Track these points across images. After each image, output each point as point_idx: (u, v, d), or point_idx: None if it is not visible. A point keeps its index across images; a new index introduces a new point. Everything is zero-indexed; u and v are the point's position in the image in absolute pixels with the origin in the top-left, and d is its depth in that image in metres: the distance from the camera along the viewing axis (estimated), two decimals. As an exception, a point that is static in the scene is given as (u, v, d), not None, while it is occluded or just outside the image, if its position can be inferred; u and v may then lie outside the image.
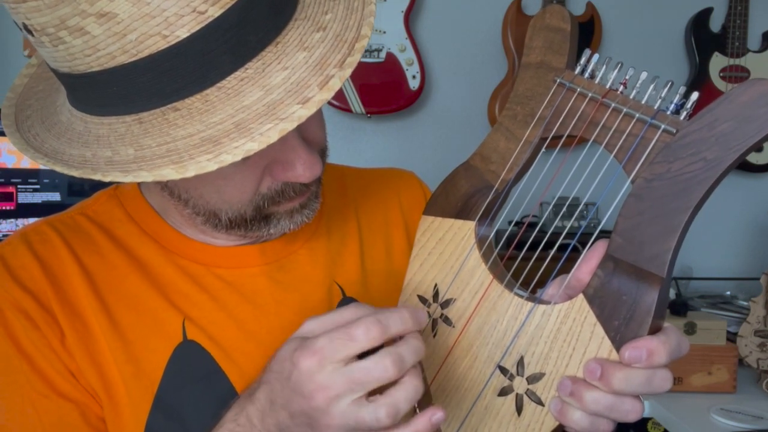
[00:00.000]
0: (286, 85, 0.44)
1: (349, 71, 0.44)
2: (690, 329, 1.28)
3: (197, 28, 0.42)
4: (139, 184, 0.64)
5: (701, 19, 1.87)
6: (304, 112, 0.42)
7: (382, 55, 1.80)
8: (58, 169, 0.46)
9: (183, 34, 0.42)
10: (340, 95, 1.78)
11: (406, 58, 1.81)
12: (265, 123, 0.42)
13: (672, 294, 1.58)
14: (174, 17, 0.41)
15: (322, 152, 0.57)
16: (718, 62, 1.85)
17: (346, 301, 0.64)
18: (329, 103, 1.79)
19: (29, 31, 0.44)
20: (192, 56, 0.43)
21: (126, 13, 0.40)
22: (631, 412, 0.44)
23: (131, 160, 0.44)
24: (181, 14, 0.41)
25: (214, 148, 0.42)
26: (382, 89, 1.81)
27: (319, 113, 0.55)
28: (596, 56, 0.51)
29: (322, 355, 0.43)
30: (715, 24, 1.87)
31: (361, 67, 1.79)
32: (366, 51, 1.78)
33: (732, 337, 1.33)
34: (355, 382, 0.42)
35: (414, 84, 1.82)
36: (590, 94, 0.50)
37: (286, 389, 0.45)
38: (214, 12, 0.42)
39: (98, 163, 0.45)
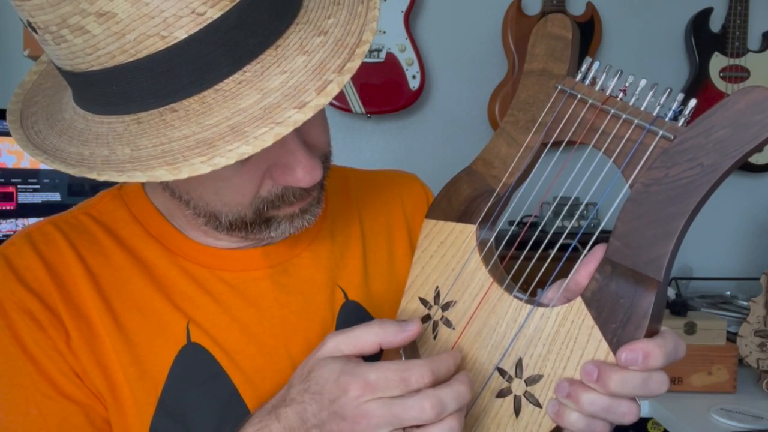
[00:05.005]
0: (284, 89, 0.43)
1: (348, 76, 0.44)
2: (690, 329, 1.29)
3: (195, 29, 0.42)
4: (143, 184, 0.64)
5: (701, 19, 1.87)
6: (300, 117, 0.42)
7: (382, 55, 1.80)
8: (56, 166, 0.46)
9: (181, 35, 0.42)
10: (340, 95, 1.79)
11: (406, 58, 1.81)
12: (261, 127, 0.42)
13: (672, 294, 1.58)
14: (172, 18, 0.41)
15: (325, 157, 0.57)
16: (718, 62, 1.85)
17: (349, 304, 0.64)
18: (329, 103, 1.79)
19: (34, 29, 0.44)
20: (190, 58, 0.42)
21: (125, 13, 0.40)
22: (627, 414, 0.44)
23: (127, 160, 0.44)
24: (179, 15, 0.41)
25: (208, 150, 0.42)
26: (382, 89, 1.81)
27: (322, 118, 0.55)
28: (597, 63, 0.51)
29: (373, 388, 0.45)
30: (715, 24, 1.88)
31: (362, 67, 1.77)
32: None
33: (732, 337, 1.33)
34: (396, 416, 0.45)
35: (414, 84, 1.82)
36: (590, 101, 0.50)
37: (324, 411, 0.46)
38: (213, 14, 0.42)
39: (95, 161, 0.45)
